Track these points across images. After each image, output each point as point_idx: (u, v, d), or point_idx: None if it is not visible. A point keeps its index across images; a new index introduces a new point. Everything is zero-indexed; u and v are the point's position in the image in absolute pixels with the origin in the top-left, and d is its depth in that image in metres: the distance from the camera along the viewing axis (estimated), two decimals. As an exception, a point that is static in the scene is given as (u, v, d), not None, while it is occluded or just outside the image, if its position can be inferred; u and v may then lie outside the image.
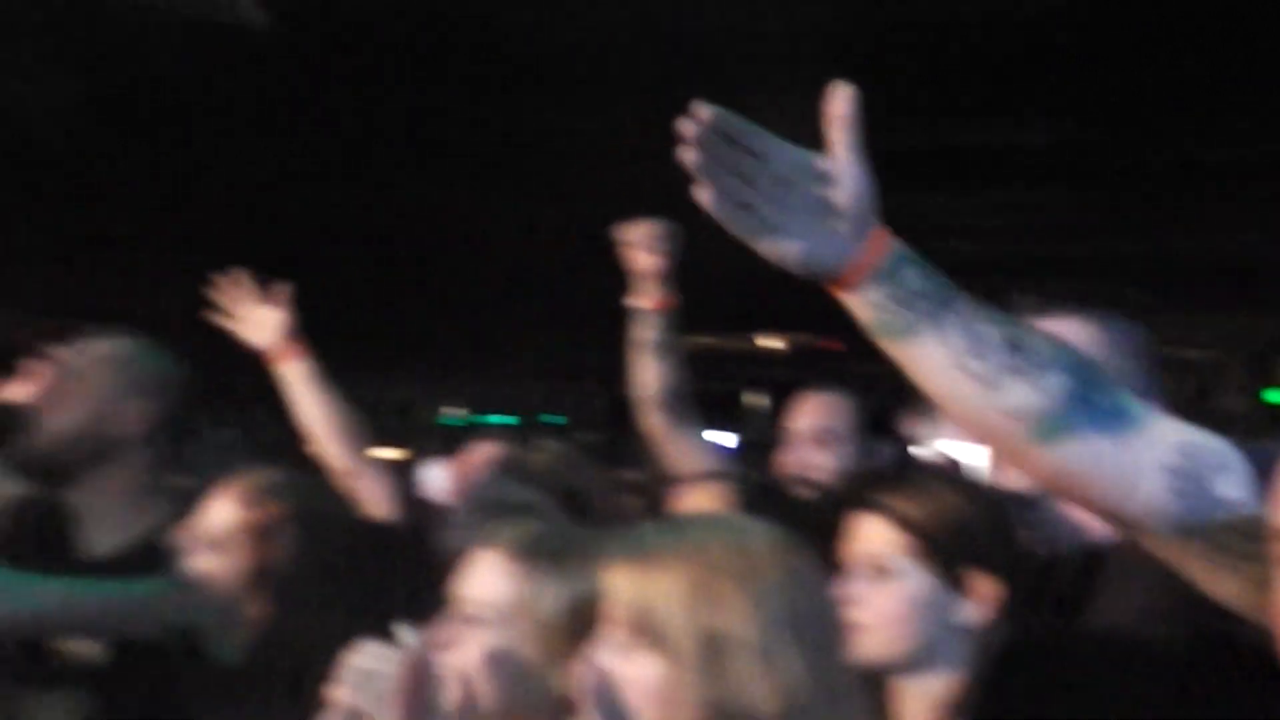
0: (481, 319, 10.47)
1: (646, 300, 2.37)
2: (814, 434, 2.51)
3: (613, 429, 10.48)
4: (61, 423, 2.12)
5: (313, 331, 2.60)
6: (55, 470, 2.13)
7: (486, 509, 2.10)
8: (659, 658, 1.19)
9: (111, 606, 1.94)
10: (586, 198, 5.82)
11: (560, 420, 13.97)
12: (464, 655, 1.50)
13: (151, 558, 2.03)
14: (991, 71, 4.41)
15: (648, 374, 2.35)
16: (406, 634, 1.44)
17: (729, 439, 9.79)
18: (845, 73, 1.19)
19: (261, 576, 1.91)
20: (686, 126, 1.12)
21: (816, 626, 1.22)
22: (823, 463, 2.46)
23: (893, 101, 4.03)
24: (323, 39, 5.00)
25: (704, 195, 1.13)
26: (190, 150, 6.40)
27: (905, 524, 1.57)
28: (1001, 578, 1.56)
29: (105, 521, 2.13)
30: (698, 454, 2.39)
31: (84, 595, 1.94)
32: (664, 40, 4.29)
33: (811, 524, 1.45)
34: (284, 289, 2.59)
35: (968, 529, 1.57)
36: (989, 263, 6.11)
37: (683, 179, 1.15)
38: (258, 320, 2.58)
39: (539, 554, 1.52)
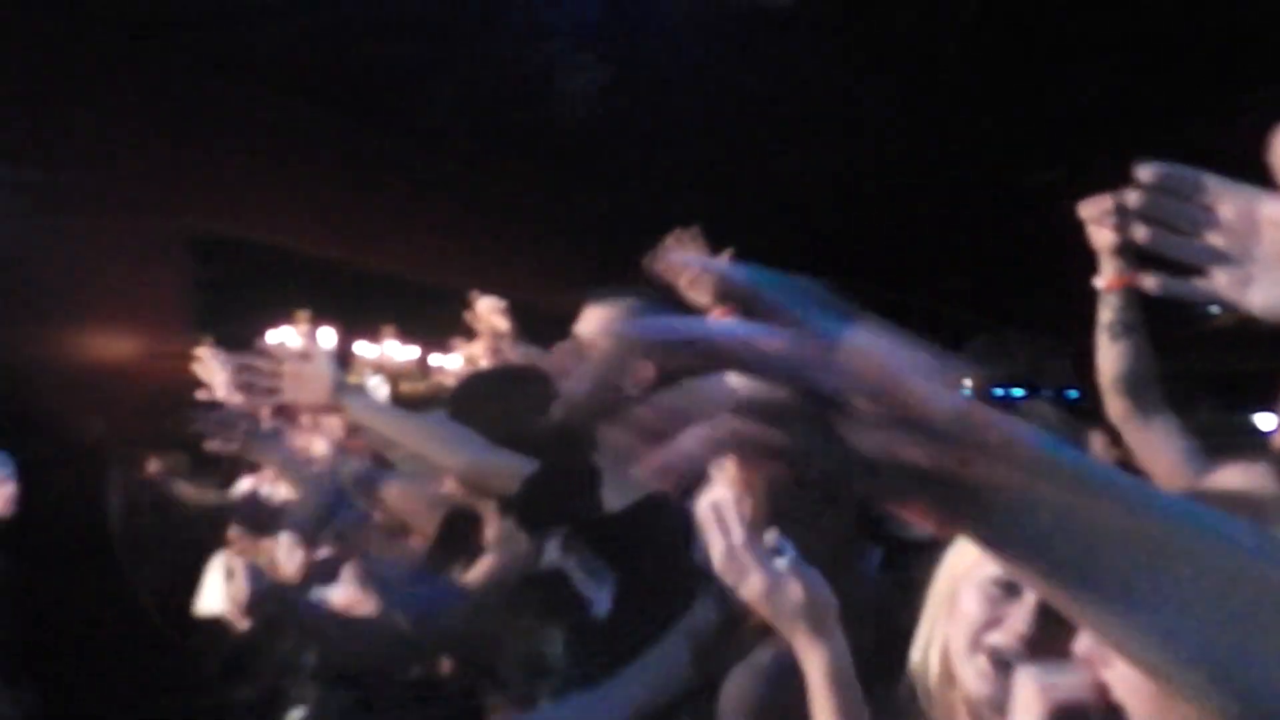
0: (1002, 292, 10.26)
1: (1104, 279, 2.23)
2: None
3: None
4: (573, 389, 2.26)
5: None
6: (574, 435, 2.26)
7: None
8: None
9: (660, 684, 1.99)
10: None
11: (1073, 395, 13.34)
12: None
13: (656, 514, 2.14)
14: None
15: (1107, 357, 2.23)
16: None
17: (1270, 420, 8.94)
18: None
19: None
20: (1126, 196, 1.11)
21: None
22: None
23: None
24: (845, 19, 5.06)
25: (1149, 281, 1.13)
26: (701, 132, 6.74)
27: None
28: None
29: (614, 480, 2.25)
30: (1165, 441, 2.23)
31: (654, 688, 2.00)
32: None
33: None
34: (728, 250, 2.53)
35: None
36: None
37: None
38: (701, 282, 2.49)
39: None
